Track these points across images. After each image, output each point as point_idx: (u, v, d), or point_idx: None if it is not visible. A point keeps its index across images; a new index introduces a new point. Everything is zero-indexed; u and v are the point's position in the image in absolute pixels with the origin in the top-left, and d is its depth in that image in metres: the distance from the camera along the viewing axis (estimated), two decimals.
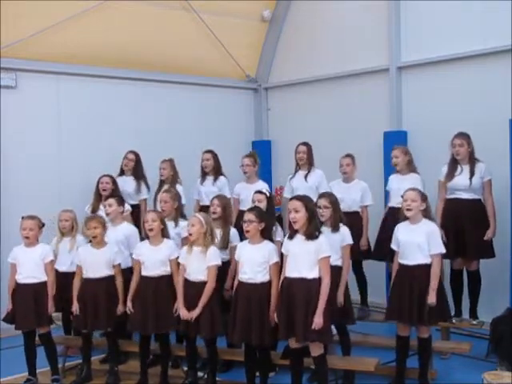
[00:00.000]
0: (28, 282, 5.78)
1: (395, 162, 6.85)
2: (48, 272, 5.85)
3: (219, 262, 5.53)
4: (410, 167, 6.84)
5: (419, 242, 5.35)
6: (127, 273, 6.06)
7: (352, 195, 6.89)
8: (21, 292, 5.79)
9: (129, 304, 5.76)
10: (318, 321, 4.92)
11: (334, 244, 5.54)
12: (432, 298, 5.29)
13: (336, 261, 5.59)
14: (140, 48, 8.80)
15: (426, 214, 5.48)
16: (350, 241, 5.70)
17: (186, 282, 5.56)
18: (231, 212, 6.37)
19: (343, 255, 5.66)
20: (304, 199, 5.17)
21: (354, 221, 6.63)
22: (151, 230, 5.71)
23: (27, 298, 5.75)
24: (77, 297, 5.91)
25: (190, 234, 5.54)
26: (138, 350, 5.92)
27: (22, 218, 5.91)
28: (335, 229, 5.62)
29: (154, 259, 5.70)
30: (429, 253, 5.36)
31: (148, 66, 9.00)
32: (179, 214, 6.49)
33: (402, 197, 5.53)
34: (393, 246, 5.63)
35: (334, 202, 5.68)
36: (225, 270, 5.91)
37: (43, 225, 6.00)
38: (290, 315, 5.02)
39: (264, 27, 10.07)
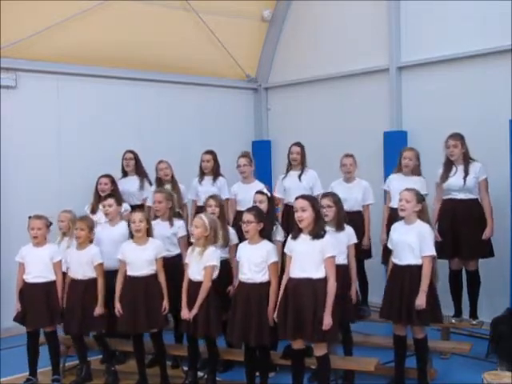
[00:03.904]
0: (37, 282, 5.80)
1: (407, 164, 6.77)
2: (56, 271, 5.87)
3: (216, 263, 5.54)
4: (417, 171, 6.84)
5: (410, 243, 5.36)
6: None
7: (354, 195, 6.87)
8: (30, 291, 5.81)
9: (117, 305, 5.73)
10: (327, 321, 4.92)
11: (339, 243, 5.58)
12: (421, 300, 5.26)
13: (342, 260, 5.65)
14: (140, 48, 8.80)
15: (421, 215, 5.47)
16: (355, 240, 5.82)
17: (189, 281, 5.60)
18: (227, 211, 6.35)
19: (349, 254, 5.74)
20: (311, 198, 5.18)
21: (357, 220, 6.63)
22: (139, 230, 5.73)
23: (38, 297, 5.78)
24: (64, 299, 5.92)
25: (192, 234, 5.61)
26: (133, 350, 5.93)
27: (29, 217, 5.91)
28: (340, 228, 5.65)
29: (140, 259, 5.71)
30: (420, 254, 5.35)
31: (148, 66, 9.00)
32: (172, 213, 6.49)
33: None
34: (389, 245, 5.67)
35: (337, 201, 5.70)
36: (226, 268, 5.91)
37: (51, 224, 6.03)
38: (298, 316, 4.99)
39: (264, 27, 10.07)
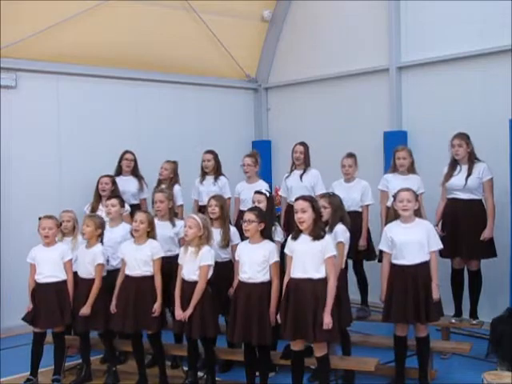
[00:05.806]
0: (49, 282, 5.80)
1: (403, 163, 6.81)
2: (67, 270, 5.88)
3: (211, 262, 5.53)
4: (412, 168, 6.86)
5: (420, 241, 5.38)
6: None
7: (352, 195, 6.89)
8: (42, 292, 5.80)
9: (113, 302, 5.76)
10: (327, 320, 4.92)
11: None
12: (437, 294, 5.36)
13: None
14: (140, 48, 8.80)
15: (418, 212, 5.52)
16: (340, 239, 5.58)
17: (182, 282, 5.59)
18: (228, 211, 6.37)
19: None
20: (311, 199, 5.17)
21: (355, 220, 6.63)
22: (137, 230, 5.72)
23: (50, 297, 5.78)
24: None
25: (186, 235, 5.57)
26: (132, 350, 5.93)
27: (39, 218, 5.92)
28: (330, 230, 5.57)
29: (136, 259, 5.71)
30: (428, 250, 5.40)
31: (148, 66, 9.00)
32: (173, 213, 6.49)
33: (394, 197, 5.54)
34: (383, 247, 5.60)
35: (333, 202, 5.67)
36: (228, 268, 5.90)
37: (60, 224, 6.05)
38: (299, 316, 4.99)
39: (264, 27, 10.07)
